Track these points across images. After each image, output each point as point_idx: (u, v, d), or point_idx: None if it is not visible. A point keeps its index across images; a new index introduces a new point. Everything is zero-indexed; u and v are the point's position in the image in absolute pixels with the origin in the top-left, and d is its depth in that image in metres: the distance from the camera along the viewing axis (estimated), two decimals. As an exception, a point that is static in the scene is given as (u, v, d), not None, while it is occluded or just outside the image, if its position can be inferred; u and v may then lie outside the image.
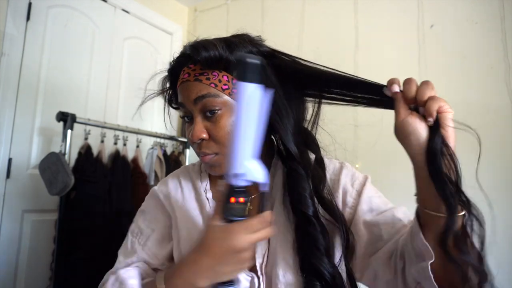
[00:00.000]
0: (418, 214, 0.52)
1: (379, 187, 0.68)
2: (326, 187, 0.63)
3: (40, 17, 1.82)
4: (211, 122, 0.60)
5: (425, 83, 0.47)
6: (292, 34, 2.04)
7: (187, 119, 0.64)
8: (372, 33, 1.80)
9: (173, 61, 0.66)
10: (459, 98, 1.53)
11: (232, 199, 0.51)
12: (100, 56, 2.08)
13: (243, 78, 0.46)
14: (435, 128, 0.47)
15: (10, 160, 1.67)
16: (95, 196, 1.66)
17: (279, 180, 0.67)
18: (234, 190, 0.51)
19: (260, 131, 0.49)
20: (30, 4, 1.77)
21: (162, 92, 0.71)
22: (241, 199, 0.51)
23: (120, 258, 0.71)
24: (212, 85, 0.59)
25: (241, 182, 0.50)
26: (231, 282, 0.53)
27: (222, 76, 0.59)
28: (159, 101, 0.73)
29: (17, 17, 1.72)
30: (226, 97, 0.60)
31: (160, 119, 0.75)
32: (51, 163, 1.53)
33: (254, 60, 0.46)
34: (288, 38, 2.03)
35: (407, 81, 0.48)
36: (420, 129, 0.48)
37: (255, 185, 0.68)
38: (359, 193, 0.65)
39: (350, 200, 0.65)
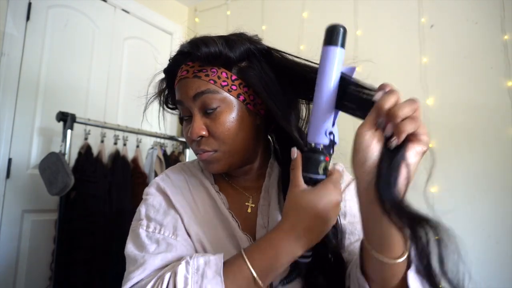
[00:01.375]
0: (362, 243, 0.49)
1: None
2: None
3: (40, 17, 1.82)
4: (210, 119, 0.59)
5: (409, 101, 0.40)
6: (292, 34, 2.04)
7: (185, 118, 0.64)
8: (372, 33, 1.80)
9: (170, 59, 0.65)
10: (458, 98, 1.53)
11: (327, 158, 0.52)
12: (100, 56, 2.08)
13: (334, 42, 0.48)
14: (394, 156, 0.38)
15: (10, 160, 1.67)
16: (95, 196, 1.66)
17: (275, 180, 0.67)
18: (322, 151, 0.51)
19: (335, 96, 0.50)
20: (30, 4, 1.77)
21: (161, 93, 0.70)
22: (327, 158, 0.52)
23: (147, 257, 0.56)
24: (211, 81, 0.58)
25: (325, 141, 0.51)
26: (309, 254, 0.54)
27: (221, 73, 0.59)
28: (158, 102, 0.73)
29: (17, 17, 1.72)
30: (225, 94, 0.59)
31: (160, 119, 0.74)
32: (51, 163, 1.53)
33: (343, 26, 0.48)
34: (288, 38, 2.03)
35: (388, 92, 0.41)
36: (371, 150, 0.41)
37: (257, 185, 0.68)
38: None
39: None
